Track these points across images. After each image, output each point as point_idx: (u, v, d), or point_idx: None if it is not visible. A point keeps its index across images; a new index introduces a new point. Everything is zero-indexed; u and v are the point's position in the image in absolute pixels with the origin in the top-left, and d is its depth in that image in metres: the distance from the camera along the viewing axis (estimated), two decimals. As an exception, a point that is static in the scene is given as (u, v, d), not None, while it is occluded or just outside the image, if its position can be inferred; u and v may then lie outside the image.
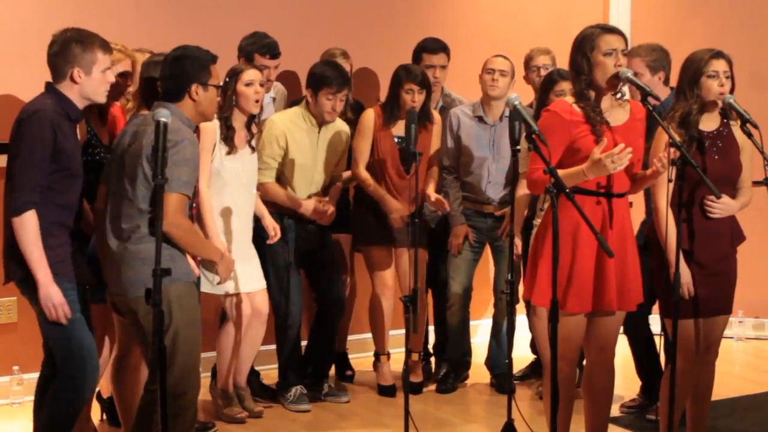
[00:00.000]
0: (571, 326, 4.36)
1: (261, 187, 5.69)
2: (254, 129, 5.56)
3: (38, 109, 4.24)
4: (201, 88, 4.27)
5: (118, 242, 4.20)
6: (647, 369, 5.70)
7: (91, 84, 4.33)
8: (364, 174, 5.89)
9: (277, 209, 5.74)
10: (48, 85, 4.36)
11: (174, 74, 4.27)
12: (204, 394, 5.81)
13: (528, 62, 6.31)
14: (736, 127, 4.65)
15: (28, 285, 4.25)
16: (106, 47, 4.39)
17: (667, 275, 4.48)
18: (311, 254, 5.87)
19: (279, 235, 5.63)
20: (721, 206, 4.55)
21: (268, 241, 5.62)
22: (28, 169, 4.19)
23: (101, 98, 4.42)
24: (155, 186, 3.80)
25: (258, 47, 5.82)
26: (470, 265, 6.17)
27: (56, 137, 4.20)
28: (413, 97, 5.80)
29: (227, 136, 5.42)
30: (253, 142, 5.56)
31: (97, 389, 5.49)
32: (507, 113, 5.95)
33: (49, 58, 4.35)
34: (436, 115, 6.04)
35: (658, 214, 4.52)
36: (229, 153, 5.43)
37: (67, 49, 4.30)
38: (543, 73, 5.99)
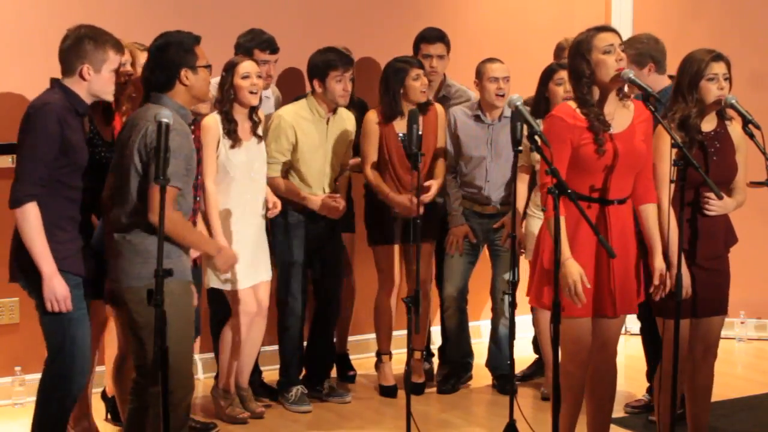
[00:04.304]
0: (580, 328, 4.36)
1: (267, 181, 5.66)
2: (256, 117, 5.52)
3: (46, 102, 4.26)
4: (190, 72, 4.24)
5: (119, 233, 4.20)
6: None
7: (99, 82, 4.35)
8: (371, 174, 5.89)
9: (284, 205, 5.68)
10: (53, 80, 4.37)
11: (161, 64, 4.24)
12: (206, 395, 5.84)
13: (563, 53, 6.14)
14: (731, 128, 4.65)
15: (32, 278, 4.23)
16: (118, 47, 4.40)
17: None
18: (318, 252, 5.86)
19: (279, 208, 5.59)
20: (719, 203, 4.55)
21: (268, 214, 5.57)
22: (30, 162, 4.21)
23: (109, 96, 4.45)
24: (160, 186, 3.80)
25: (257, 43, 5.83)
26: (465, 268, 6.15)
27: (63, 131, 4.22)
28: (422, 82, 5.82)
29: (230, 130, 5.41)
30: (260, 131, 5.53)
31: (102, 388, 5.51)
32: (506, 113, 5.95)
33: (60, 52, 4.36)
34: (439, 107, 6.01)
35: (661, 215, 4.51)
36: (233, 146, 5.42)
37: (80, 45, 4.31)
38: None
